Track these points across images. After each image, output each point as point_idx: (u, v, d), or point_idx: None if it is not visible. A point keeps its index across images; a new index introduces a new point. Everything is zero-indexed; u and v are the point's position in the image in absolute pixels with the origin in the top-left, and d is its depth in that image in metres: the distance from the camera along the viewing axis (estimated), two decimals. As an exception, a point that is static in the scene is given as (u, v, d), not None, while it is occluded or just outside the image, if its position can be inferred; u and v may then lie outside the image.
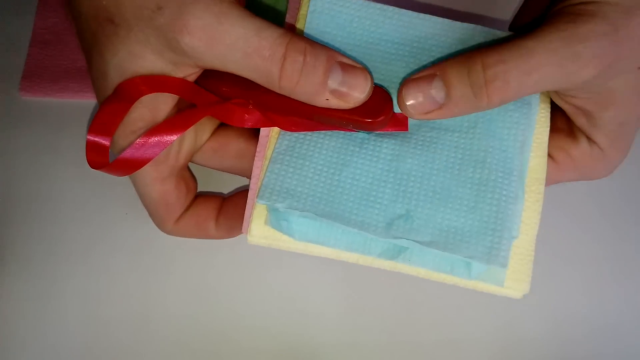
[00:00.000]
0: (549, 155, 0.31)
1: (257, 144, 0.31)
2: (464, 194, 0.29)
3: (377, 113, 0.28)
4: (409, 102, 0.27)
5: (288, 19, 0.35)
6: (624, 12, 0.26)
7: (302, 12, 0.32)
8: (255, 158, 0.30)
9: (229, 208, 0.33)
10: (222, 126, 0.34)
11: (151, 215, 0.32)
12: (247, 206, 0.30)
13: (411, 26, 0.31)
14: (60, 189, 0.36)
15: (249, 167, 0.31)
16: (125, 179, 0.37)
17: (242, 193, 0.34)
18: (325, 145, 0.30)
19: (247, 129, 0.32)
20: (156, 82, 0.28)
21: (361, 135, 0.30)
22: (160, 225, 0.32)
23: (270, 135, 0.30)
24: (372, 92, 0.28)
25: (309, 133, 0.30)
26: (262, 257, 0.35)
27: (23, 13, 0.41)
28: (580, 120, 0.30)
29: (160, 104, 0.28)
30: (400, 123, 0.30)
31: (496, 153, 0.30)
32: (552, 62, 0.26)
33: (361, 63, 0.28)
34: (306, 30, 0.31)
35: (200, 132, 0.32)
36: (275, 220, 0.29)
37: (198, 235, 0.33)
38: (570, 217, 0.37)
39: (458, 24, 0.31)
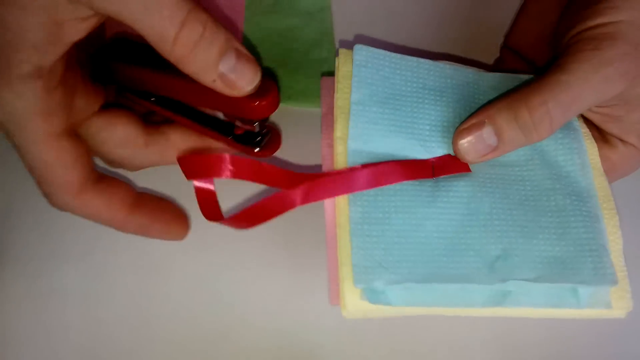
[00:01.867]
0: None
1: (148, 132, 0.31)
2: (548, 222, 0.29)
3: (262, 96, 0.28)
4: (465, 149, 0.30)
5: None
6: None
7: (345, 67, 0.32)
8: (327, 228, 0.30)
9: (146, 204, 0.32)
10: (112, 107, 0.31)
11: (43, 182, 0.28)
12: (331, 276, 0.29)
13: (447, 76, 0.33)
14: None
15: (131, 157, 0.30)
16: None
17: (156, 198, 0.33)
18: (398, 203, 0.29)
19: (138, 115, 0.31)
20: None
21: (429, 184, 0.30)
22: (56, 194, 0.28)
23: (337, 203, 0.29)
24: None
25: (379, 194, 0.29)
26: (262, 257, 0.35)
27: None
28: (610, 126, 0.31)
29: (48, 53, 0.25)
30: (461, 165, 0.31)
31: (562, 179, 0.31)
32: (587, 89, 0.28)
33: (406, 112, 0.31)
34: (354, 80, 0.31)
35: (93, 96, 0.29)
36: (373, 296, 0.28)
37: (102, 216, 0.30)
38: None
39: (487, 73, 0.34)
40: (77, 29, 0.25)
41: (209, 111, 0.33)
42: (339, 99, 0.32)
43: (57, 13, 0.24)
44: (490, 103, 0.31)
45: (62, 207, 0.29)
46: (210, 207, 0.32)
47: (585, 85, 0.28)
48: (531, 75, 0.34)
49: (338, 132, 0.31)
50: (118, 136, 0.30)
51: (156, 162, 0.32)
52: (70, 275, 0.34)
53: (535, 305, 0.29)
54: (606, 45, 0.28)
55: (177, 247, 0.35)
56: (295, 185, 0.29)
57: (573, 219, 0.29)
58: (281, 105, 0.31)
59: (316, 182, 0.29)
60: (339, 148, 0.31)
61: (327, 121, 0.32)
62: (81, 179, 0.28)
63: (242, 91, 0.27)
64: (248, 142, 0.32)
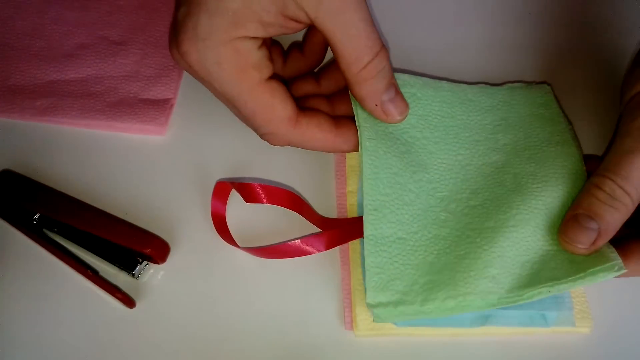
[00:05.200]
0: None
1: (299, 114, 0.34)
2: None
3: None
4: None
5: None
6: None
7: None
8: (342, 265, 0.35)
9: (340, 122, 0.35)
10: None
11: (266, 123, 0.32)
12: (346, 304, 0.33)
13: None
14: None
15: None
16: (124, 179, 0.37)
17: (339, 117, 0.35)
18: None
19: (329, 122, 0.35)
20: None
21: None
22: (279, 130, 0.32)
23: (351, 244, 0.35)
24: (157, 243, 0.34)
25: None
26: (261, 257, 0.35)
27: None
28: None
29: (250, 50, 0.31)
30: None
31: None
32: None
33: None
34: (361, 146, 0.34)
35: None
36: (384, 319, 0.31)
37: (318, 139, 0.34)
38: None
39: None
40: (288, 27, 0.31)
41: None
42: (349, 158, 0.37)
43: (285, 9, 0.29)
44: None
45: (285, 141, 0.33)
46: (223, 229, 0.36)
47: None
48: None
49: (349, 187, 0.37)
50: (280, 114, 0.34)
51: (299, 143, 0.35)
52: (70, 275, 0.34)
53: (512, 325, 0.33)
54: None
55: (176, 247, 0.35)
56: (320, 226, 0.36)
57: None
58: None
59: (337, 230, 0.34)
60: (351, 200, 0.36)
61: (340, 170, 0.37)
62: (296, 111, 0.33)
63: (394, 120, 0.33)
64: (127, 265, 0.34)
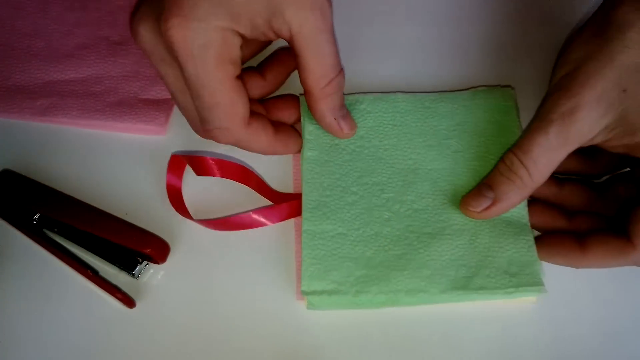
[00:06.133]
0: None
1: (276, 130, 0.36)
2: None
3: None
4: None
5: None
6: None
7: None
8: (296, 240, 0.36)
9: (279, 127, 0.36)
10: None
11: (222, 118, 0.32)
12: (298, 275, 0.34)
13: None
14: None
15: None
16: (124, 179, 0.37)
17: (276, 122, 0.37)
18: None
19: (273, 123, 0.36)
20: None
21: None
22: (232, 127, 0.33)
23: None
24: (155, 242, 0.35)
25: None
26: (262, 258, 0.35)
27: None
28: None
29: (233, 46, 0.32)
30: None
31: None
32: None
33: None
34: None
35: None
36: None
37: (263, 141, 0.35)
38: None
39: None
40: (265, 37, 0.32)
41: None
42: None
43: (273, 19, 0.31)
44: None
45: (232, 139, 0.34)
46: (178, 202, 0.36)
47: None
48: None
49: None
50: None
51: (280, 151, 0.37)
52: (70, 275, 0.35)
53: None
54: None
55: (176, 247, 0.35)
56: (273, 200, 0.37)
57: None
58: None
59: (291, 203, 0.36)
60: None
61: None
62: (249, 111, 0.33)
63: (346, 135, 0.36)
64: (126, 265, 0.35)
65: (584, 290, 0.35)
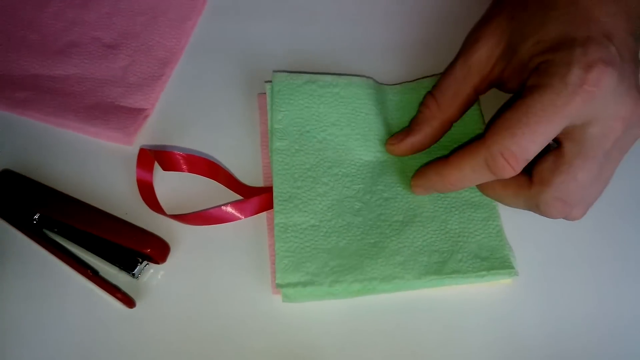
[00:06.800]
0: None
1: None
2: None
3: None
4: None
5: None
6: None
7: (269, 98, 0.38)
8: (268, 233, 0.35)
9: None
10: None
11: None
12: (272, 269, 0.34)
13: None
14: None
15: None
16: (124, 180, 0.37)
17: None
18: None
19: None
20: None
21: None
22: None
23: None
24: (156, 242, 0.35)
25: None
26: (261, 258, 0.35)
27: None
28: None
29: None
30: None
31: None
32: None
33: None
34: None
35: None
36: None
37: None
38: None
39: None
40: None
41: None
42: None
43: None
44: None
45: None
46: (150, 198, 0.36)
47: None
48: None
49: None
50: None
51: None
52: (70, 275, 0.35)
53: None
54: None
55: (176, 247, 0.36)
56: (244, 195, 0.36)
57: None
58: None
59: (262, 196, 0.36)
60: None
61: (266, 141, 0.38)
62: None
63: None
64: (126, 265, 0.35)
65: (583, 288, 0.35)
